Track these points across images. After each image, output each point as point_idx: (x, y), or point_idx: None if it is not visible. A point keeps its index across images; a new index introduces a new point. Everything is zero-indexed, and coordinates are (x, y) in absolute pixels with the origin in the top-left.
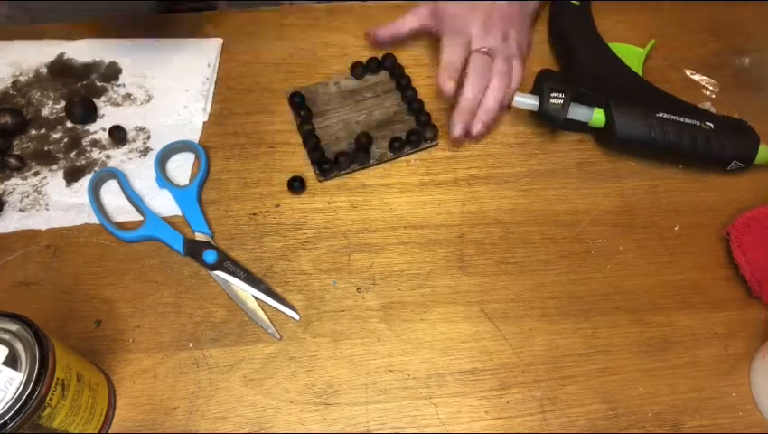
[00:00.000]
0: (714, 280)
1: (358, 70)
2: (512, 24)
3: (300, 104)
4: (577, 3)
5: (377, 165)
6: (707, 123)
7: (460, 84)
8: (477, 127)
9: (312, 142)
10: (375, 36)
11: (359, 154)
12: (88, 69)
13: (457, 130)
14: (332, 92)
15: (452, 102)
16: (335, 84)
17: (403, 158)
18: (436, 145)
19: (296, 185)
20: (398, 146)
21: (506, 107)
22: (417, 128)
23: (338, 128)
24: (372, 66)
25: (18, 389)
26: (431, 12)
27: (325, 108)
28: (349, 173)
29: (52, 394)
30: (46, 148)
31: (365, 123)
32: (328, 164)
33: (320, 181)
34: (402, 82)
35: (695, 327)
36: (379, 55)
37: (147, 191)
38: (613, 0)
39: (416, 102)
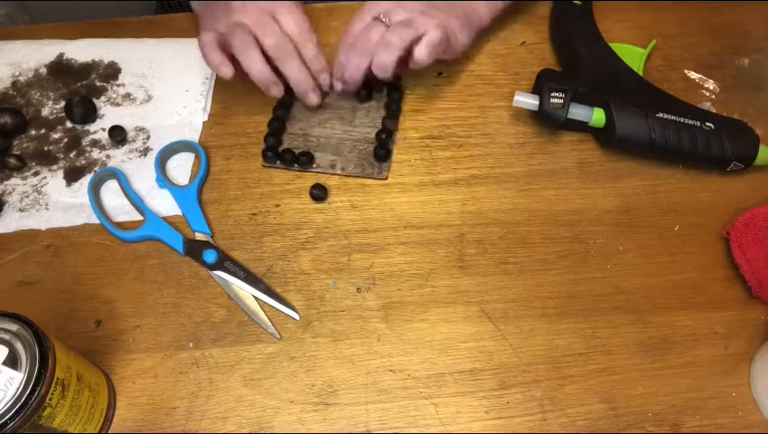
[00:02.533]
0: (714, 280)
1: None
2: (440, 6)
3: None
4: (579, 3)
5: (319, 172)
6: (707, 123)
7: None
8: (378, 75)
9: (273, 126)
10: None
11: (302, 157)
12: (88, 69)
13: (337, 88)
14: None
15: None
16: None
17: (348, 178)
18: (385, 178)
19: (316, 193)
20: (342, 167)
21: (415, 65)
22: (372, 157)
23: (304, 129)
24: (374, 85)
25: (18, 389)
26: None
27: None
28: (289, 169)
29: (52, 394)
30: (46, 148)
31: (331, 136)
32: (273, 153)
33: (263, 166)
34: (392, 107)
35: (695, 327)
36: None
37: (147, 191)
38: (614, 0)
39: (386, 133)
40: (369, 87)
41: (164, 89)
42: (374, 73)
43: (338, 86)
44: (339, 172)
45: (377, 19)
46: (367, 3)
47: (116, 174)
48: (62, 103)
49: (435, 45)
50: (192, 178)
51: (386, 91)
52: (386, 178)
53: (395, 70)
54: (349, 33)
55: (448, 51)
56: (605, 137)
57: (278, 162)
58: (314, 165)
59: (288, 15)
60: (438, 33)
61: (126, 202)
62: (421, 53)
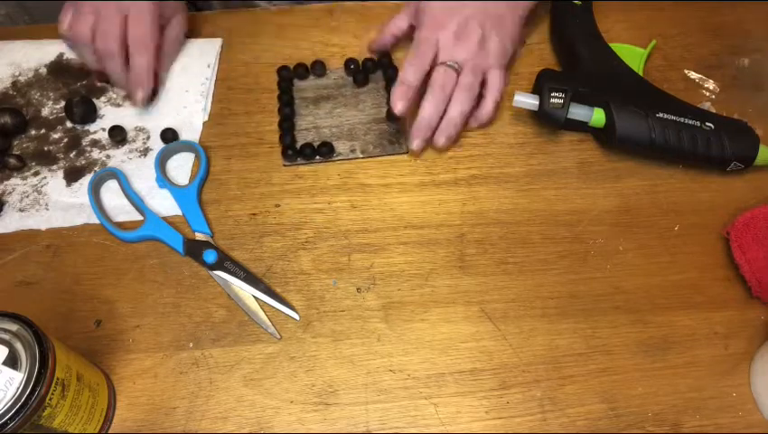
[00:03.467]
0: (714, 280)
1: (352, 70)
2: (493, 27)
3: (287, 82)
4: (579, 2)
5: (341, 161)
6: (707, 123)
7: (421, 97)
8: (440, 141)
9: (285, 126)
10: (372, 47)
11: (323, 148)
12: (88, 69)
13: (415, 144)
14: (324, 84)
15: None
16: (333, 78)
17: (374, 159)
18: (406, 153)
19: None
20: (362, 150)
21: (484, 122)
22: (388, 134)
23: (313, 122)
24: (369, 66)
25: (18, 389)
26: (414, 11)
27: (312, 96)
28: (312, 163)
29: (52, 394)
30: (46, 148)
31: (342, 123)
32: (294, 150)
33: (285, 165)
34: (392, 85)
35: (695, 327)
36: (376, 57)
37: (147, 191)
38: (614, 0)
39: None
40: (364, 71)
41: (165, 89)
42: (444, 125)
43: (401, 106)
44: (360, 156)
45: (445, 65)
46: (423, 33)
47: (116, 174)
48: (62, 103)
49: (498, 102)
50: (192, 178)
51: (381, 72)
52: (407, 152)
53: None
54: (421, 57)
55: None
56: (605, 137)
57: (299, 159)
58: (335, 154)
59: (468, 76)
60: (499, 90)
61: (126, 202)
62: (488, 115)
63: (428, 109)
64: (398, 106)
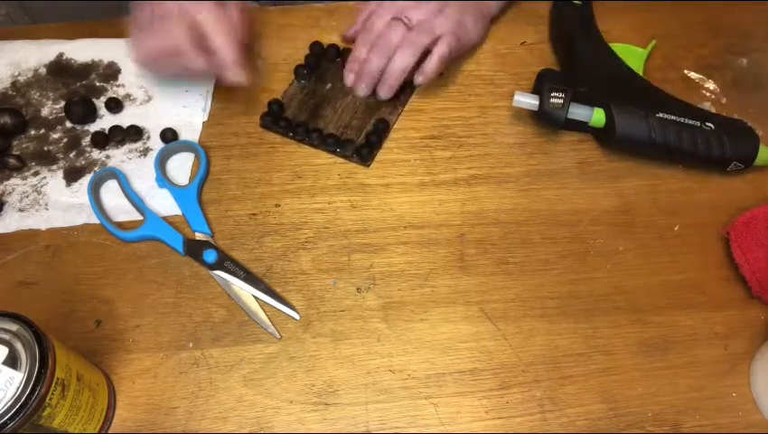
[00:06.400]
0: (714, 280)
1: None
2: (457, 6)
3: (314, 59)
4: (579, 2)
5: (308, 145)
6: (707, 123)
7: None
8: (382, 92)
9: (290, 93)
10: (347, 34)
11: (298, 128)
12: (88, 69)
13: (360, 90)
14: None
15: None
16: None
17: (334, 155)
18: (367, 166)
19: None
20: (331, 143)
21: (427, 76)
22: (356, 143)
23: (315, 103)
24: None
25: (18, 389)
26: None
27: (330, 80)
28: (282, 135)
29: (52, 394)
30: (46, 148)
31: (341, 115)
32: (272, 118)
33: (260, 127)
34: None
35: (695, 327)
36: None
37: (147, 191)
38: (614, 0)
39: (383, 123)
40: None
41: (164, 89)
42: (386, 75)
43: (351, 79)
44: (323, 148)
45: (397, 19)
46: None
47: (115, 174)
48: (62, 103)
49: (444, 60)
50: (191, 178)
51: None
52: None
53: (407, 76)
54: (369, 31)
55: (461, 52)
56: (605, 137)
57: (274, 128)
58: (307, 139)
59: (417, 35)
60: (448, 48)
61: (125, 202)
62: (431, 70)
63: (374, 60)
64: (349, 78)
